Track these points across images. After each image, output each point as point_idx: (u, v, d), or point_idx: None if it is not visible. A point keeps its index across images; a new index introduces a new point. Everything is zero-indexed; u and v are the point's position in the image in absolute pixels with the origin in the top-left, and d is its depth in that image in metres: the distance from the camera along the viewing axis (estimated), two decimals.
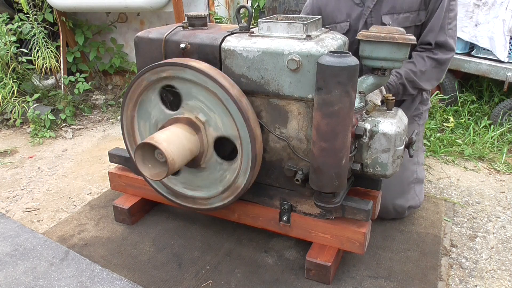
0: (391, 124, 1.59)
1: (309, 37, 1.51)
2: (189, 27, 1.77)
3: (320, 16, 1.70)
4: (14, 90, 3.36)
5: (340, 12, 2.08)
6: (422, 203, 2.16)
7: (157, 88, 1.68)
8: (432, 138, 3.05)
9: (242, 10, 3.25)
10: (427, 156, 2.89)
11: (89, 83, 3.91)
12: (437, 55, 1.98)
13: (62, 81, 3.75)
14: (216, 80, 1.52)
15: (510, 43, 3.15)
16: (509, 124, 3.15)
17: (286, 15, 1.79)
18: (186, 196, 1.82)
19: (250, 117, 1.54)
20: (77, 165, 2.82)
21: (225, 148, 1.73)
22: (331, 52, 1.38)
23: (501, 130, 3.10)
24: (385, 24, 1.97)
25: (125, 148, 1.90)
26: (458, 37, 3.36)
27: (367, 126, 1.60)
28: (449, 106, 3.53)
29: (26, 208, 2.31)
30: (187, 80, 1.59)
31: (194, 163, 1.68)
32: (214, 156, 1.68)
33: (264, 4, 3.67)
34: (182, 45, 1.65)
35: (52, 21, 3.81)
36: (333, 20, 2.10)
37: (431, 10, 1.95)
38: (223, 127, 1.62)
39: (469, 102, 3.53)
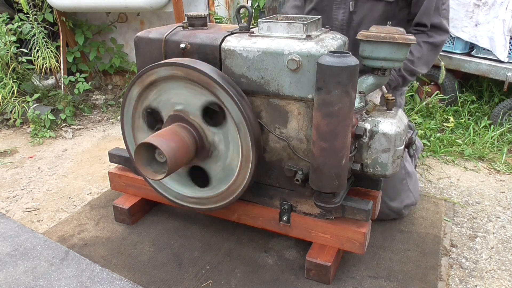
0: (391, 124, 1.59)
1: (309, 37, 1.51)
2: (189, 27, 1.77)
3: (320, 16, 1.70)
4: (14, 90, 3.36)
5: None
6: (418, 198, 2.14)
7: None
8: (432, 138, 3.05)
9: (242, 10, 3.25)
10: (427, 156, 2.89)
11: (89, 83, 3.91)
12: (433, 37, 1.96)
13: (62, 81, 3.75)
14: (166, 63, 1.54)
15: (510, 43, 3.15)
16: (509, 124, 3.15)
17: (286, 15, 1.79)
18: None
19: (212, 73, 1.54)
20: (77, 165, 2.82)
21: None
22: (331, 52, 1.38)
23: (501, 130, 3.10)
24: None
25: (125, 148, 1.90)
26: (458, 37, 3.38)
27: (367, 126, 1.60)
28: (449, 106, 3.53)
29: (26, 208, 2.31)
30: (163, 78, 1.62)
31: (203, 150, 1.67)
32: (208, 128, 1.66)
33: (264, 4, 3.67)
34: (182, 45, 1.65)
35: (52, 21, 3.81)
36: None
37: None
38: (196, 101, 1.62)
39: (469, 102, 3.53)
